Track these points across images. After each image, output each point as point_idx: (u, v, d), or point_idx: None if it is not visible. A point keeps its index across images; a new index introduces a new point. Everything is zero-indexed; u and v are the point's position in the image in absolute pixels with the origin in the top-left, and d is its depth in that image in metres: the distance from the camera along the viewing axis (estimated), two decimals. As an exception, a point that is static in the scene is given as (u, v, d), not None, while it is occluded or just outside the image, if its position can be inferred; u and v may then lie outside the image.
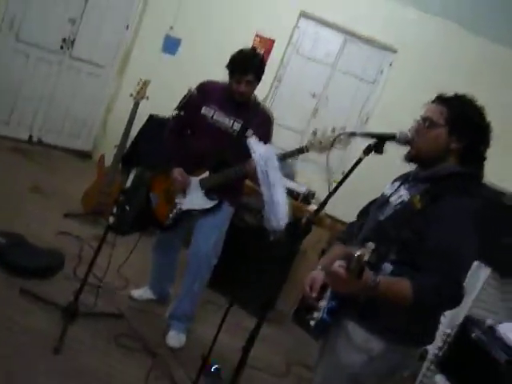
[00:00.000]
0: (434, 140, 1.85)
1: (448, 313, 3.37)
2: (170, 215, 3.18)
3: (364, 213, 2.14)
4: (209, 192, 3.12)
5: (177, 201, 3.17)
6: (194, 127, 3.17)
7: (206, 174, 3.11)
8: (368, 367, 1.88)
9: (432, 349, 3.47)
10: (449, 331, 3.43)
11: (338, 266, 1.64)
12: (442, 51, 5.66)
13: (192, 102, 2.93)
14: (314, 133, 2.82)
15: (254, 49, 3.17)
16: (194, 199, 3.13)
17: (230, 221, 3.26)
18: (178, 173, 3.11)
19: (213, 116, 3.09)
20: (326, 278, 1.82)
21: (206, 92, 3.09)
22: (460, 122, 1.82)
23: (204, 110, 3.10)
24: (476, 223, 1.77)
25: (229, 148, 3.03)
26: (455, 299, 1.72)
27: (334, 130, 2.68)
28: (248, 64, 3.00)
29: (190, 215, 3.19)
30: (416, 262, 1.75)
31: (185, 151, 3.16)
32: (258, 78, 3.06)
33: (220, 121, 3.09)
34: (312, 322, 1.89)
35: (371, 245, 1.55)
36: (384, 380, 1.95)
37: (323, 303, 1.89)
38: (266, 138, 2.93)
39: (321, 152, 2.77)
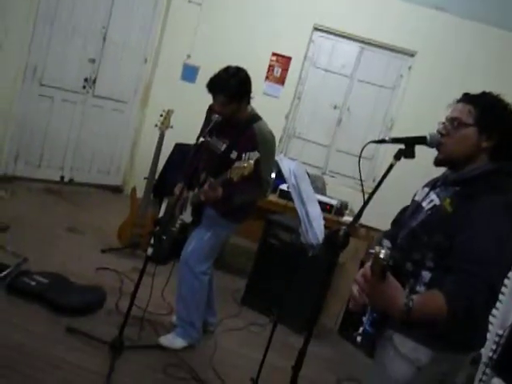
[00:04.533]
0: (464, 140, 1.80)
1: (498, 313, 3.27)
2: (175, 226, 3.27)
3: (396, 221, 2.10)
4: (196, 207, 3.16)
5: (179, 214, 3.25)
6: None
7: (195, 191, 3.18)
8: (416, 378, 1.83)
9: (485, 352, 3.36)
10: (501, 332, 3.32)
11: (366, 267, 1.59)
12: (460, 49, 5.60)
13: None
14: None
15: (234, 68, 2.99)
16: (186, 213, 3.21)
17: (220, 230, 3.21)
18: (176, 188, 3.23)
19: (207, 137, 3.15)
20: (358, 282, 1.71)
21: (210, 113, 3.10)
22: (489, 119, 1.77)
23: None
24: None
25: (215, 168, 3.02)
26: (488, 302, 1.63)
27: None
28: (215, 85, 2.92)
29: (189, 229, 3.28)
30: (450, 266, 1.69)
31: (194, 170, 3.26)
32: (231, 99, 2.92)
33: (211, 141, 3.15)
34: (359, 338, 1.86)
35: (387, 243, 1.47)
36: None
37: (365, 317, 1.86)
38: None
39: None
